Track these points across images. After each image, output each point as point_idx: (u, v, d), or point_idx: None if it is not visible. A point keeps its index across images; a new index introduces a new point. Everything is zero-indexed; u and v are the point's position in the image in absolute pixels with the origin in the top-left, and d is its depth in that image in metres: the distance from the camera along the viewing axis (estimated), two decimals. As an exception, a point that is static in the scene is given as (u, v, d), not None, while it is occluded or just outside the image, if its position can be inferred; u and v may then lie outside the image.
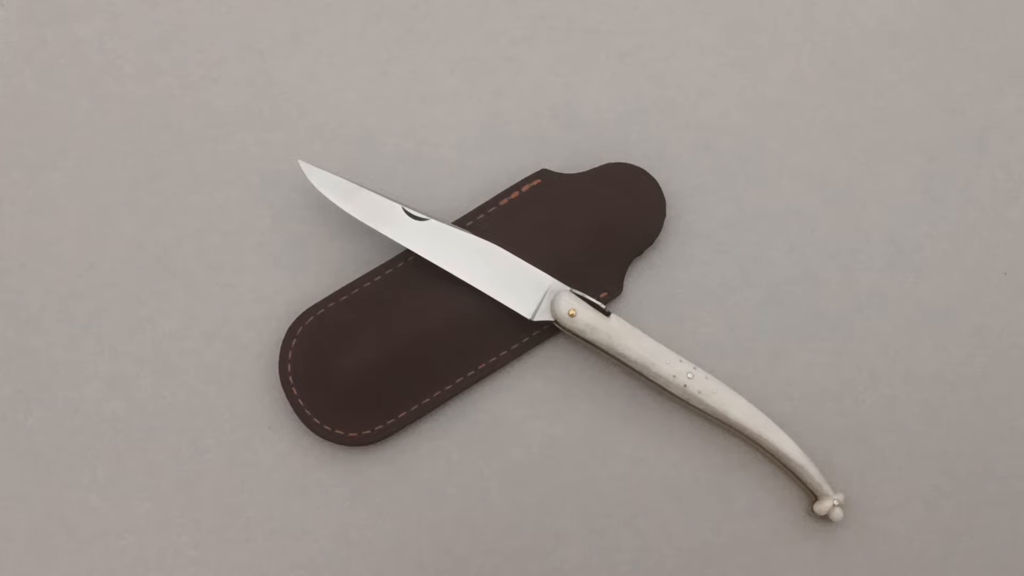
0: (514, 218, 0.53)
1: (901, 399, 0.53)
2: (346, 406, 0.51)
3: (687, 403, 0.51)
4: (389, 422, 0.51)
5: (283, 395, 0.52)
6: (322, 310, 0.52)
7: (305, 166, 0.51)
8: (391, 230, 0.51)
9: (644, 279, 0.54)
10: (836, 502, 0.50)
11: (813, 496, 0.51)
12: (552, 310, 0.50)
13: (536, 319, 0.51)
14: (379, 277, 0.52)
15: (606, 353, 0.51)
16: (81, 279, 0.54)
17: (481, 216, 0.53)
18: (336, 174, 0.51)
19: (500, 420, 0.53)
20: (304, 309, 0.52)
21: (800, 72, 0.55)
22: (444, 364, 0.52)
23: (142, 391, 0.53)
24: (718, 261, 0.54)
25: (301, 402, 0.51)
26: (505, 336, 0.52)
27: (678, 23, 0.56)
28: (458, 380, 0.52)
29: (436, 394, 0.52)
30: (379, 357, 0.51)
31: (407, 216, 0.51)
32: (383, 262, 0.53)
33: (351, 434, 0.51)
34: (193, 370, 0.53)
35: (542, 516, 0.52)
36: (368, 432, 0.51)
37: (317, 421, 0.51)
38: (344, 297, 0.52)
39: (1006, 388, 0.53)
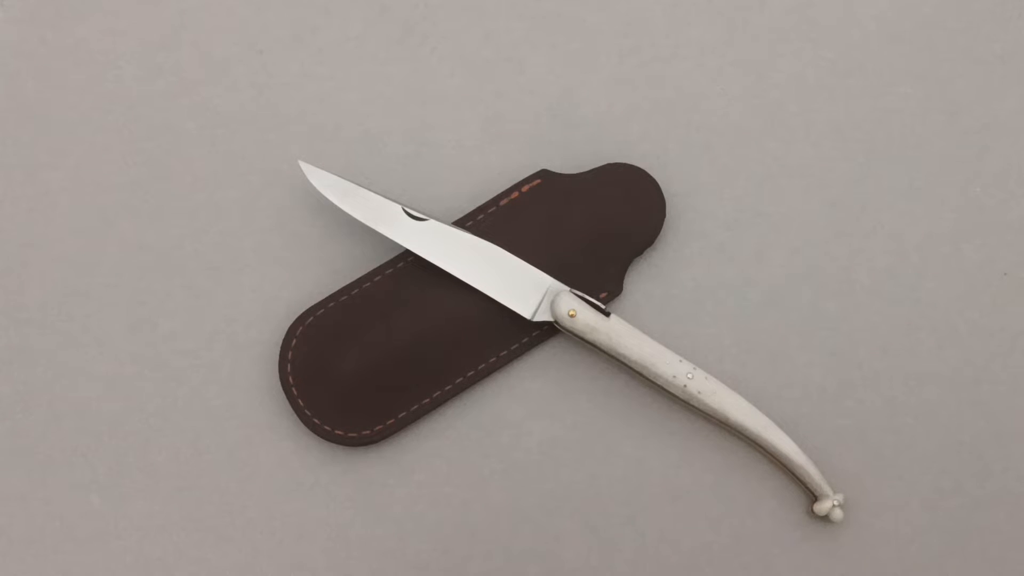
0: (514, 218, 0.53)
1: (901, 399, 0.53)
2: (346, 406, 0.51)
3: (687, 403, 0.51)
4: (389, 422, 0.51)
5: (283, 395, 0.52)
6: (322, 310, 0.52)
7: (305, 166, 0.51)
8: (391, 230, 0.51)
9: (644, 279, 0.54)
10: (836, 502, 0.50)
11: (813, 496, 0.51)
12: (552, 310, 0.50)
13: (536, 319, 0.51)
14: (379, 277, 0.52)
15: (606, 353, 0.51)
16: (81, 279, 0.54)
17: (481, 216, 0.53)
18: (336, 174, 0.51)
19: (500, 420, 0.53)
20: (304, 309, 0.52)
21: (800, 72, 0.55)
22: (444, 364, 0.52)
23: (142, 391, 0.53)
24: (718, 261, 0.54)
25: (301, 402, 0.51)
26: (505, 336, 0.52)
27: (678, 23, 0.56)
28: (458, 380, 0.52)
29: (436, 394, 0.52)
30: (379, 357, 0.51)
31: (407, 216, 0.51)
32: (383, 262, 0.53)
33: (351, 434, 0.51)
34: (193, 370, 0.53)
35: (542, 516, 0.52)
36: (368, 432, 0.51)
37: (317, 421, 0.51)
38: (344, 297, 0.52)
39: (1006, 388, 0.53)
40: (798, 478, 0.51)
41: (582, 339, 0.50)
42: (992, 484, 0.52)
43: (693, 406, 0.50)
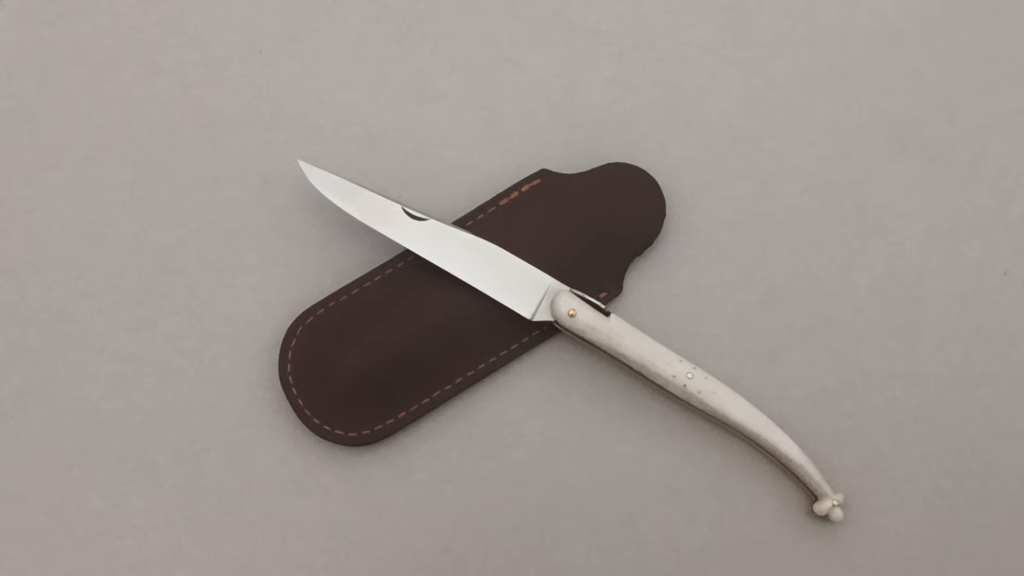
0: (514, 218, 0.53)
1: (901, 399, 0.53)
2: (346, 406, 0.51)
3: (687, 403, 0.51)
4: (389, 422, 0.51)
5: (283, 395, 0.52)
6: (322, 310, 0.52)
7: (305, 166, 0.51)
8: (391, 230, 0.51)
9: (644, 279, 0.54)
10: (836, 502, 0.50)
11: (813, 496, 0.51)
12: (552, 310, 0.50)
13: (536, 319, 0.51)
14: (379, 277, 0.52)
15: (606, 353, 0.51)
16: (81, 279, 0.54)
17: (481, 216, 0.53)
18: (336, 174, 0.51)
19: (500, 420, 0.53)
20: (304, 309, 0.52)
21: (800, 72, 0.55)
22: (444, 364, 0.52)
23: (142, 391, 0.53)
24: (718, 261, 0.54)
25: (301, 402, 0.51)
26: (505, 336, 0.52)
27: (678, 23, 0.56)
28: (458, 380, 0.52)
29: (436, 394, 0.52)
30: (379, 357, 0.51)
31: (407, 216, 0.51)
32: (383, 262, 0.53)
33: (351, 434, 0.51)
34: (193, 370, 0.53)
35: (542, 516, 0.52)
36: (368, 432, 0.51)
37: (317, 421, 0.51)
38: (344, 297, 0.52)
39: (1006, 388, 0.53)
40: (798, 478, 0.51)
41: (582, 339, 0.50)
42: (992, 484, 0.52)
43: (693, 406, 0.50)
